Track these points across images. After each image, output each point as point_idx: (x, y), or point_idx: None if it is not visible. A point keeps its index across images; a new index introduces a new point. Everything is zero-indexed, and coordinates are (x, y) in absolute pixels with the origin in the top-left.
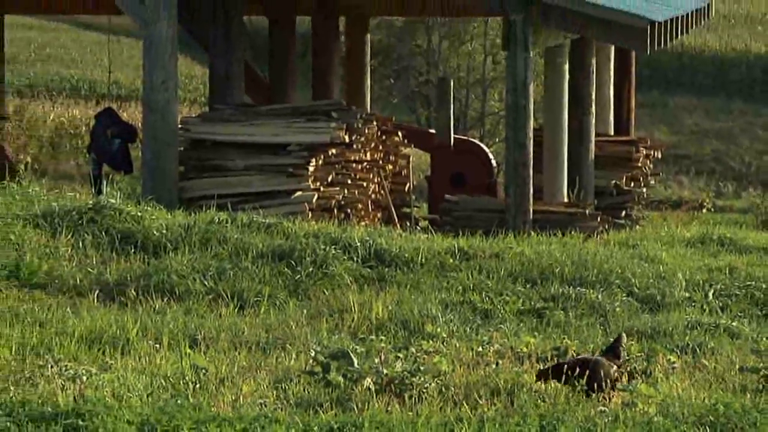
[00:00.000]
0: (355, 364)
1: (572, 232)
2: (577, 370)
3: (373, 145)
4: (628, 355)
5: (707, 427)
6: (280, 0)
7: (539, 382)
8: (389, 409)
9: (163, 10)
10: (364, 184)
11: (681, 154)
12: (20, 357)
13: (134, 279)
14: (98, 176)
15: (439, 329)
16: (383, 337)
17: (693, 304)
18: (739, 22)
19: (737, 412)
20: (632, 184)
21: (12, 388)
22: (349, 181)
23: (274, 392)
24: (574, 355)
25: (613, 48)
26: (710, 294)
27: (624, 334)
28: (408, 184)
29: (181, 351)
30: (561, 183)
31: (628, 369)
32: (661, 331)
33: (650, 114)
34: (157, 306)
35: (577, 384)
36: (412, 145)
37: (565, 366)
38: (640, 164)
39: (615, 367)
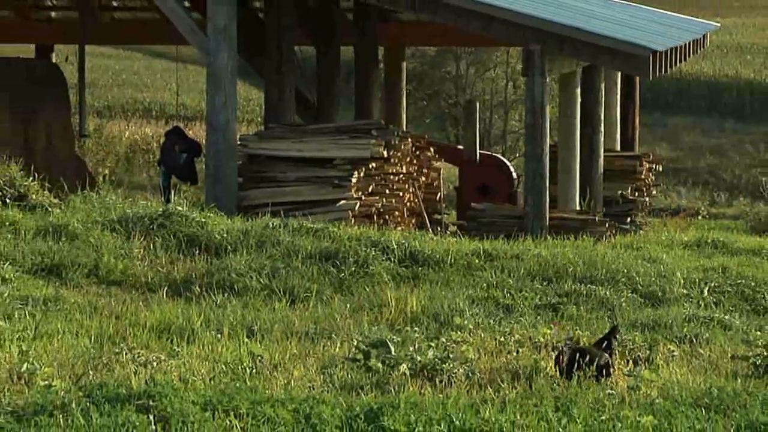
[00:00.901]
0: (393, 352)
1: (583, 236)
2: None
3: (408, 159)
4: (633, 345)
5: (703, 409)
6: (326, 32)
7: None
8: (422, 391)
9: (224, 43)
10: (400, 193)
11: (679, 168)
12: (98, 345)
13: (198, 277)
14: (167, 187)
15: (466, 321)
16: (417, 329)
17: (690, 299)
18: (731, 52)
19: (729, 395)
20: (636, 194)
21: (91, 372)
22: (387, 191)
23: (321, 377)
24: (585, 344)
25: (619, 74)
26: (705, 291)
27: (619, 326)
28: (439, 194)
29: (239, 340)
30: (573, 193)
31: (629, 358)
32: (662, 323)
33: (652, 132)
34: (218, 300)
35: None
36: (443, 160)
37: (560, 355)
38: (643, 176)
39: (605, 356)
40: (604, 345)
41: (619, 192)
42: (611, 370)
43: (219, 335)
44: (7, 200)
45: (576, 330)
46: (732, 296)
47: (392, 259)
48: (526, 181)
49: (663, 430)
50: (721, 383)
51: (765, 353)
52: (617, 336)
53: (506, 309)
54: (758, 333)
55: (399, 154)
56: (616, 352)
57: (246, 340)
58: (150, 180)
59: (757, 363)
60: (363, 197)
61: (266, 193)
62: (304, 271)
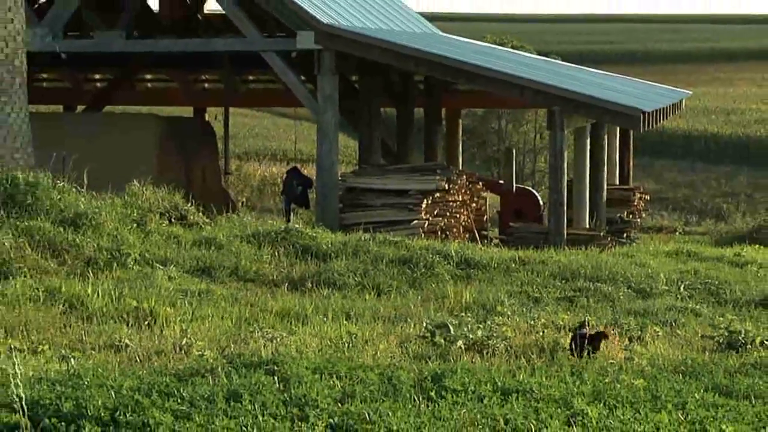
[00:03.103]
0: (451, 332)
1: (592, 247)
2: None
3: (463, 190)
4: (628, 327)
5: (680, 374)
6: (403, 98)
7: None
8: (473, 360)
9: (329, 105)
10: (457, 215)
11: (662, 197)
12: (237, 325)
13: (310, 276)
14: (288, 210)
15: (505, 309)
16: (469, 314)
17: (670, 294)
18: (700, 113)
19: (700, 364)
20: (630, 217)
21: (232, 345)
22: (448, 214)
23: (399, 349)
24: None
25: (618, 128)
26: (681, 287)
27: (588, 319)
28: (485, 216)
29: (339, 322)
30: (584, 215)
31: (625, 337)
32: (650, 311)
33: (642, 171)
34: (324, 293)
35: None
36: (488, 191)
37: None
38: (635, 204)
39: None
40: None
41: (618, 215)
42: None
43: (325, 319)
44: (173, 220)
45: (586, 315)
46: (701, 291)
47: (451, 263)
48: (549, 206)
49: (651, 389)
50: (694, 356)
51: (726, 334)
52: (587, 326)
53: (535, 300)
54: (721, 319)
55: (456, 186)
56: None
57: (344, 322)
58: (275, 205)
59: (720, 341)
60: (430, 218)
61: (359, 215)
62: (387, 272)
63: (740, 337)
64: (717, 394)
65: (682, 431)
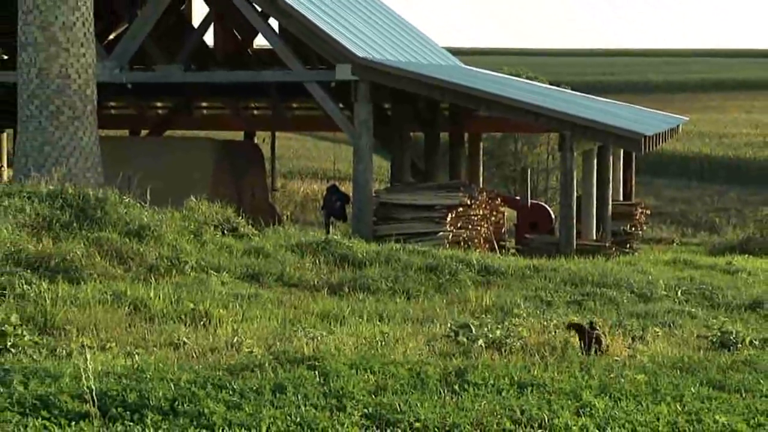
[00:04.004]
0: (473, 331)
1: (598, 256)
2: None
3: (483, 205)
4: (631, 328)
5: (678, 370)
6: (430, 123)
7: (571, 330)
8: (492, 357)
9: (365, 130)
10: (478, 228)
11: (661, 212)
12: (282, 326)
13: (347, 282)
14: (327, 223)
15: (521, 311)
16: (489, 316)
17: (669, 298)
18: (695, 137)
19: (695, 361)
20: (633, 229)
21: (278, 343)
22: (470, 226)
23: (427, 347)
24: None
25: (622, 150)
26: (679, 292)
27: (596, 320)
28: (503, 228)
29: (373, 323)
30: (591, 228)
31: (628, 336)
32: (650, 314)
33: (643, 188)
34: (360, 297)
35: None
36: (506, 206)
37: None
38: (637, 218)
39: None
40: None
41: (622, 227)
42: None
43: (360, 320)
44: (225, 231)
45: (594, 317)
46: (696, 296)
47: (473, 270)
48: (560, 220)
49: (651, 384)
50: (690, 353)
51: (719, 334)
52: (597, 327)
53: (548, 304)
54: (714, 320)
55: (477, 202)
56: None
57: (378, 323)
58: (316, 219)
59: (714, 340)
60: (454, 230)
61: (391, 227)
62: (415, 278)
63: (732, 337)
64: (711, 388)
65: (680, 421)
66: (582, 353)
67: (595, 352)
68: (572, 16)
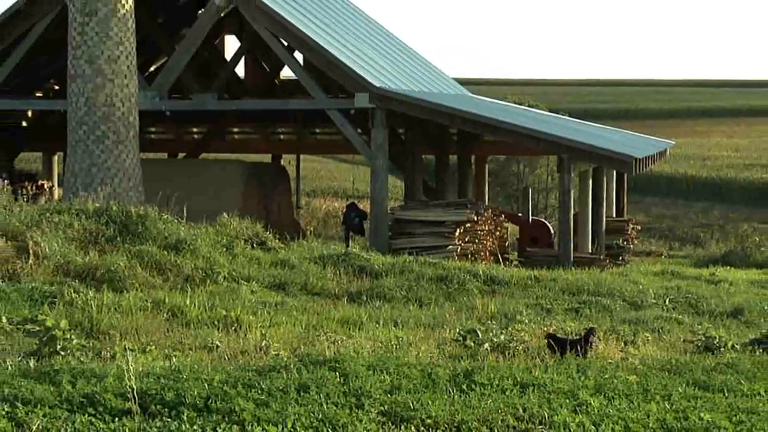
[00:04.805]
0: (480, 336)
1: (593, 268)
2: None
3: (489, 221)
4: (623, 333)
5: (666, 371)
6: (441, 146)
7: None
8: (497, 360)
9: (381, 153)
10: (484, 242)
11: (650, 227)
12: (306, 330)
13: (365, 291)
14: (347, 237)
15: (523, 318)
16: (494, 322)
17: (658, 306)
18: (681, 159)
19: (682, 364)
20: (625, 243)
21: (302, 346)
22: (476, 241)
23: (437, 350)
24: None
25: (615, 171)
26: (667, 300)
27: (596, 328)
28: (507, 242)
29: (389, 328)
30: (587, 242)
31: (621, 340)
32: (641, 320)
33: (634, 206)
34: (376, 305)
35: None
36: (509, 222)
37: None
38: (629, 233)
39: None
40: (582, 338)
41: (615, 242)
42: (587, 350)
43: (377, 325)
44: (254, 245)
45: (590, 323)
46: (683, 304)
47: (480, 280)
48: (559, 235)
49: (642, 384)
50: (677, 356)
51: (703, 338)
52: (594, 334)
53: (547, 311)
54: (699, 326)
55: (483, 218)
56: (595, 342)
57: (393, 328)
58: (337, 233)
59: (699, 344)
60: (462, 244)
61: (405, 241)
62: (427, 288)
63: (715, 342)
64: (697, 388)
65: (668, 418)
66: (579, 354)
67: (585, 353)
68: (570, 49)
